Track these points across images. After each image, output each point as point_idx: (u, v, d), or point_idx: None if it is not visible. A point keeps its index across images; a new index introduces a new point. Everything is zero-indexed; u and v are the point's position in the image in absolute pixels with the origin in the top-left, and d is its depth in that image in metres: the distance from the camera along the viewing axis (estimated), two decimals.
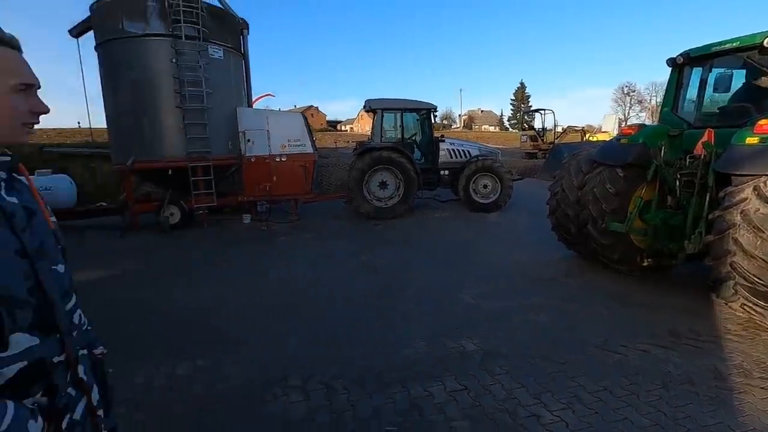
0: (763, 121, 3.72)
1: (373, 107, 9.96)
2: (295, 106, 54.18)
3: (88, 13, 9.14)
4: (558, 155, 15.49)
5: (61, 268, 0.96)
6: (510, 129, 61.36)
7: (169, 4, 8.48)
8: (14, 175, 0.91)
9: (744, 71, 4.62)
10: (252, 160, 9.51)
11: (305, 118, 10.13)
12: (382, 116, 10.01)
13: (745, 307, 3.73)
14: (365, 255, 6.46)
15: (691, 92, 4.99)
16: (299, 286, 5.10)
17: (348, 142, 21.46)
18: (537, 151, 22.38)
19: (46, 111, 0.90)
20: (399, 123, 10.22)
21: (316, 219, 10.01)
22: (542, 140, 23.09)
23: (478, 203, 9.98)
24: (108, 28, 8.81)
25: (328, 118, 68.00)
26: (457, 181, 10.18)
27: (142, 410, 2.69)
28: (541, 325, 3.86)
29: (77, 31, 9.44)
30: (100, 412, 1.02)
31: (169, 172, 8.96)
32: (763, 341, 3.46)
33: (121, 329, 3.87)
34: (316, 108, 65.87)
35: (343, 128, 62.25)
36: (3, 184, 0.85)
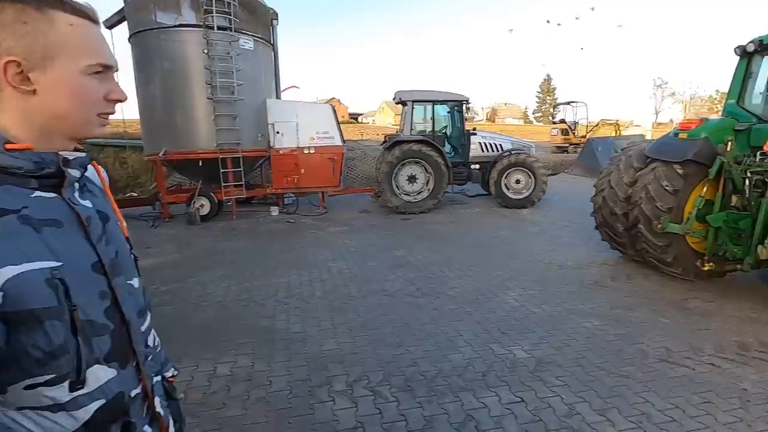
0: None
1: (403, 99, 9.73)
2: (317, 98, 54.17)
3: (122, 5, 9.19)
4: (592, 150, 14.95)
5: (136, 282, 0.82)
6: (535, 122, 59.96)
7: None
8: (86, 174, 0.77)
9: None
10: (280, 152, 9.43)
11: (334, 110, 9.98)
12: (413, 108, 9.77)
13: None
14: (399, 250, 6.29)
15: (761, 83, 4.59)
16: (336, 282, 4.98)
17: (377, 134, 21.23)
18: (568, 145, 21.75)
19: (124, 99, 0.74)
20: (430, 115, 9.95)
21: (343, 213, 9.89)
22: (574, 134, 22.38)
23: (510, 199, 9.66)
24: (141, 19, 8.82)
25: (349, 111, 67.90)
26: (488, 175, 9.88)
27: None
28: (594, 332, 3.62)
29: (111, 23, 9.50)
30: None
31: (200, 164, 8.98)
32: None
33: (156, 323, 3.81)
34: (338, 100, 65.83)
35: (364, 120, 62.03)
36: (77, 185, 0.71)
